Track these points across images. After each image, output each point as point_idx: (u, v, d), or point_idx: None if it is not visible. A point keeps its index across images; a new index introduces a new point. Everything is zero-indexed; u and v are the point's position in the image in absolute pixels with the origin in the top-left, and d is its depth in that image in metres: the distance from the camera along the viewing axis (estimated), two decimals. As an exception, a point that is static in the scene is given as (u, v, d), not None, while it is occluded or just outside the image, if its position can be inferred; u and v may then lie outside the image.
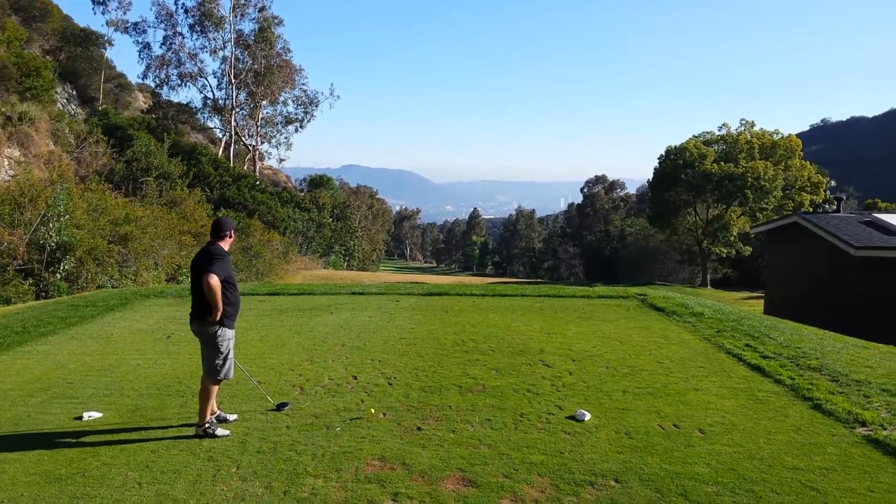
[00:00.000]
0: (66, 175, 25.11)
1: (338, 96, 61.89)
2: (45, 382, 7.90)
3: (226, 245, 6.26)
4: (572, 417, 6.52)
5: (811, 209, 48.93)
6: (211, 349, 6.12)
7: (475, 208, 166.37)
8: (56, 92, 37.53)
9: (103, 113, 43.50)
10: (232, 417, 6.43)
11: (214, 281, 5.87)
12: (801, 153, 54.61)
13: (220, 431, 6.08)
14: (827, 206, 24.49)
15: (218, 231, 6.26)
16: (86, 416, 6.59)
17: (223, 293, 5.99)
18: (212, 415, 6.21)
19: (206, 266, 5.98)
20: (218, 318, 6.02)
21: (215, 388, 6.16)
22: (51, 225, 19.36)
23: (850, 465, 5.35)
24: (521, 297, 14.91)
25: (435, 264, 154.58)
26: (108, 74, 52.50)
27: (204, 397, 6.11)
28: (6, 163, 27.68)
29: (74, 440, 5.95)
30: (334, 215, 59.32)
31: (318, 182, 69.24)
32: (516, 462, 5.40)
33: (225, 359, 6.13)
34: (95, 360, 9.02)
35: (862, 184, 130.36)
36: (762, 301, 26.82)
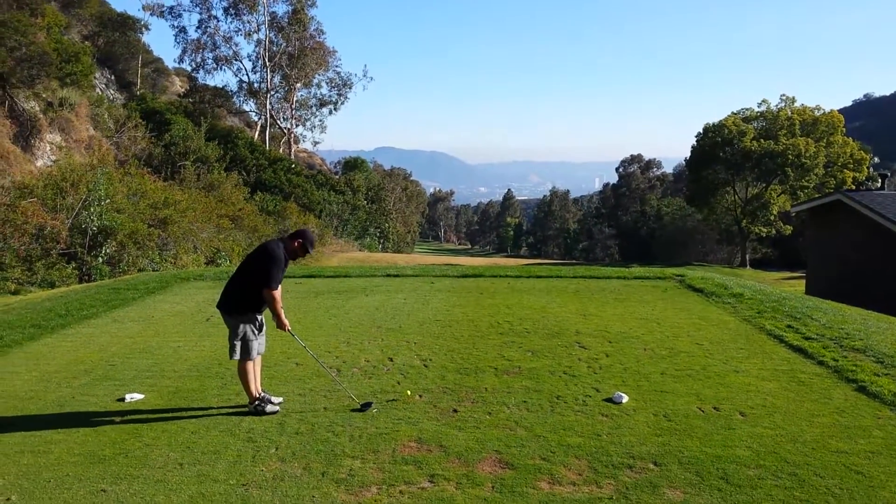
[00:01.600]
0: (106, 159, 25.56)
1: (371, 78, 61.88)
2: (88, 364, 8.06)
3: (290, 249, 6.30)
4: (609, 400, 6.47)
5: (854, 187, 47.83)
6: (230, 331, 6.24)
7: (509, 189, 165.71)
8: (95, 77, 38.08)
9: (141, 97, 44.10)
10: (277, 400, 6.49)
11: (273, 296, 6.08)
12: (844, 129, 53.29)
13: (269, 408, 6.18)
14: (871, 183, 23.87)
15: (296, 235, 6.40)
16: (128, 397, 6.71)
17: (256, 291, 6.13)
18: (258, 393, 6.30)
19: (262, 267, 6.10)
20: (282, 324, 6.24)
21: (248, 367, 6.21)
22: (92, 209, 19.74)
23: (896, 449, 5.23)
24: (557, 279, 14.81)
25: (469, 246, 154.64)
26: (145, 59, 53.19)
27: (241, 378, 6.22)
28: (48, 148, 28.23)
29: (117, 421, 6.07)
30: (369, 197, 59.52)
31: (352, 164, 69.49)
32: (553, 444, 5.37)
33: (242, 340, 6.18)
34: (137, 342, 9.19)
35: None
36: (803, 281, 26.33)
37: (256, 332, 6.29)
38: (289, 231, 31.66)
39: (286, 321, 6.28)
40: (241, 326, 6.17)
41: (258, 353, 6.37)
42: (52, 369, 7.88)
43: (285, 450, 5.34)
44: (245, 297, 6.18)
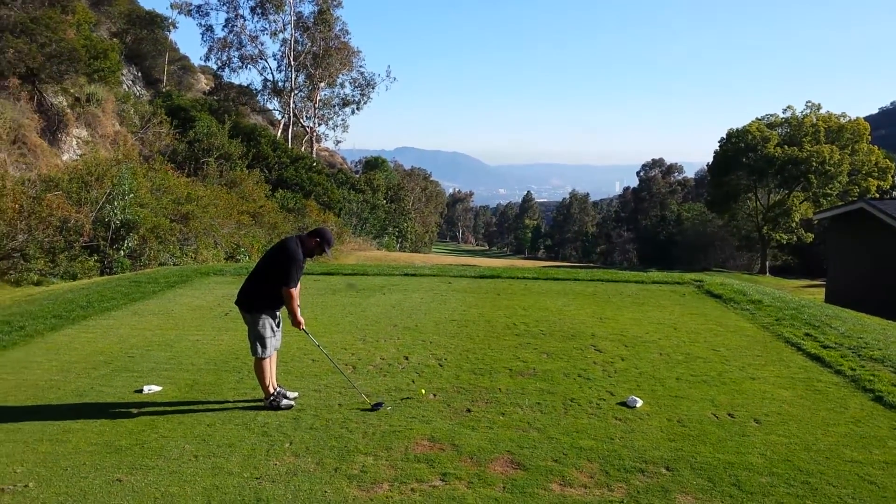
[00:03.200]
0: (130, 155, 25.79)
1: (394, 78, 61.93)
2: (107, 356, 8.18)
3: (307, 247, 6.36)
4: (623, 404, 6.46)
5: (878, 195, 47.25)
6: (250, 328, 6.31)
7: (528, 191, 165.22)
8: (122, 73, 38.48)
9: (167, 94, 44.49)
10: (292, 395, 6.56)
11: (290, 294, 6.15)
12: (870, 137, 52.61)
13: (284, 402, 6.27)
14: (895, 192, 23.64)
15: (314, 233, 6.44)
16: (146, 389, 6.81)
17: (274, 288, 6.21)
18: (274, 389, 6.38)
19: (280, 265, 6.16)
20: (297, 322, 6.30)
21: (265, 364, 6.29)
22: (116, 203, 19.96)
23: (912, 461, 5.18)
24: (574, 282, 14.78)
25: (487, 247, 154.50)
26: (171, 56, 53.63)
27: (258, 374, 6.30)
28: (74, 142, 28.58)
29: (134, 412, 6.16)
30: (388, 197, 59.63)
31: (372, 164, 69.64)
32: (566, 446, 5.38)
33: (260, 338, 6.25)
34: (156, 335, 9.30)
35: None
36: (823, 290, 26.06)
37: (275, 328, 6.36)
38: (308, 228, 31.85)
39: (301, 319, 6.35)
40: (261, 323, 6.24)
41: (275, 350, 6.44)
42: (72, 359, 8.00)
43: (299, 445, 5.40)
44: (263, 295, 6.26)
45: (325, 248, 6.42)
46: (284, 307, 6.35)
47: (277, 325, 6.41)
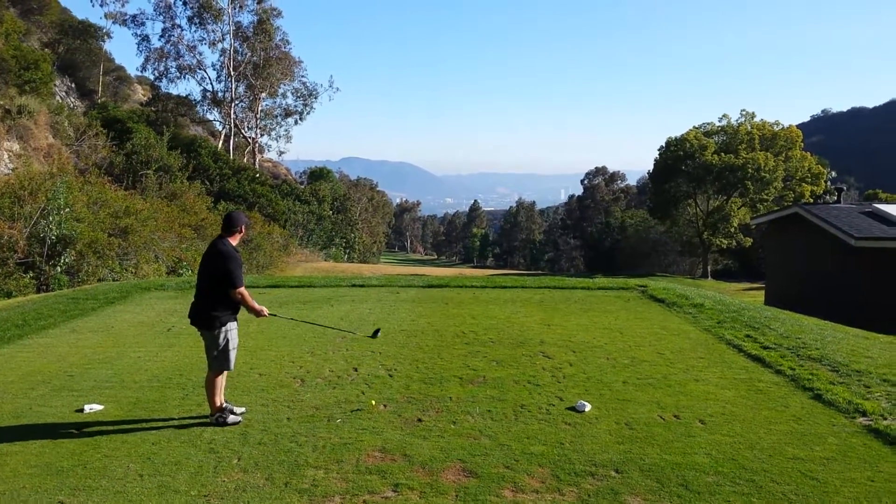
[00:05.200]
0: (65, 168, 25.09)
1: (337, 88, 61.79)
2: (46, 375, 7.91)
3: (235, 240, 6.24)
4: (573, 408, 6.52)
5: (812, 200, 48.94)
6: (209, 344, 6.13)
7: (476, 200, 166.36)
8: (55, 85, 37.47)
9: (102, 106, 43.42)
10: (239, 410, 6.41)
11: (241, 293, 6.02)
12: (802, 144, 54.56)
13: (231, 418, 6.11)
14: (828, 196, 24.55)
15: (229, 226, 6.25)
16: (87, 408, 6.60)
17: (226, 292, 6.05)
18: (221, 404, 6.22)
19: (221, 269, 5.99)
20: (258, 312, 6.20)
21: (218, 379, 6.15)
22: (51, 218, 19.35)
23: (850, 455, 5.35)
24: (522, 289, 14.91)
25: (436, 256, 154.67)
26: (106, 67, 52.39)
27: (208, 388, 6.13)
28: (5, 156, 27.65)
29: (76, 432, 5.96)
30: (335, 208, 59.29)
31: (318, 174, 69.15)
32: (517, 453, 5.41)
33: (225, 351, 6.11)
34: (96, 352, 9.03)
35: (863, 174, 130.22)
36: (763, 292, 26.83)
37: (236, 340, 6.23)
38: (258, 236, 31.34)
39: (261, 307, 6.22)
40: (222, 338, 6.07)
41: (232, 366, 6.29)
42: (8, 379, 7.71)
43: (248, 460, 5.30)
44: (218, 305, 6.07)
45: (243, 228, 6.29)
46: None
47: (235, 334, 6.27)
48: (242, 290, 6.03)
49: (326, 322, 10.83)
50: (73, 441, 5.75)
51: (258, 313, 6.22)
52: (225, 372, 6.25)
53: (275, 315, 6.37)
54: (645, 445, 5.56)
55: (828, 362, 8.07)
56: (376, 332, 6.46)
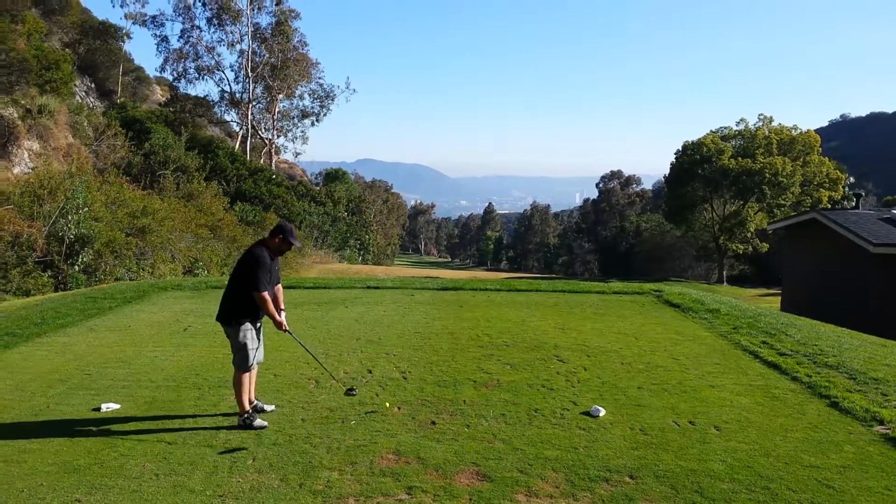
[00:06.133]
0: (84, 167, 25.26)
1: (353, 90, 61.83)
2: (63, 374, 7.99)
3: (271, 246, 6.37)
4: (587, 413, 6.51)
5: (830, 206, 48.51)
6: (231, 342, 6.26)
7: (490, 203, 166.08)
8: (75, 85, 37.80)
9: (121, 106, 43.79)
10: (269, 408, 6.56)
11: (262, 298, 6.12)
12: (820, 149, 54.05)
13: (257, 422, 6.15)
14: (846, 202, 24.32)
15: (272, 230, 6.46)
16: (104, 407, 6.66)
17: (246, 296, 6.18)
18: (250, 405, 6.32)
19: (246, 271, 6.16)
20: (278, 324, 6.31)
21: (245, 378, 6.23)
22: (69, 217, 19.52)
23: (867, 464, 5.31)
24: (536, 293, 14.88)
25: (449, 259, 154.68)
26: (126, 67, 52.80)
27: (236, 388, 6.22)
28: (26, 155, 27.94)
29: (92, 431, 6.02)
30: (349, 209, 59.38)
31: (333, 176, 69.31)
32: (531, 457, 5.40)
33: (243, 350, 6.20)
34: (113, 351, 9.11)
35: (881, 180, 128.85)
36: (779, 298, 26.63)
37: (255, 339, 6.33)
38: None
39: (282, 320, 6.33)
40: (241, 334, 6.19)
41: (257, 363, 6.41)
42: (26, 378, 7.79)
43: (262, 461, 5.33)
44: (237, 304, 6.22)
45: (290, 240, 6.40)
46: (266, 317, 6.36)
47: (257, 334, 6.37)
48: (264, 294, 6.13)
49: (342, 326, 10.89)
50: (90, 439, 5.81)
51: (277, 323, 6.31)
52: (253, 371, 6.37)
53: (289, 333, 6.45)
54: (660, 451, 5.54)
55: (845, 370, 8.00)
56: (350, 390, 6.53)
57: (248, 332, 6.23)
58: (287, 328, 6.38)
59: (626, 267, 69.06)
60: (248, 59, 54.47)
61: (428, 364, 8.43)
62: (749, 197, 53.59)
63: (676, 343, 9.73)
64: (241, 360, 6.20)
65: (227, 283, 6.52)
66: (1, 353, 9.04)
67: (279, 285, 6.61)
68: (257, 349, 6.36)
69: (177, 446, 5.64)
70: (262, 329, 6.51)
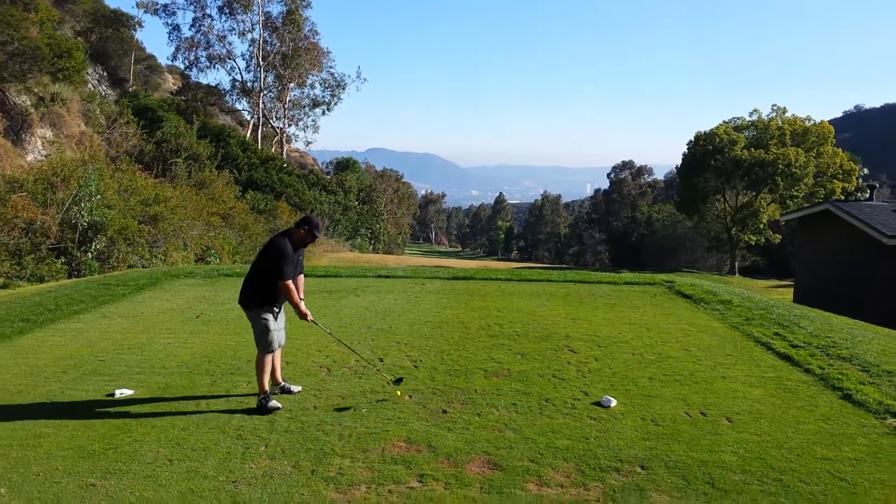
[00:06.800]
0: (97, 155, 25.42)
1: (364, 79, 61.82)
2: (77, 359, 8.05)
3: (296, 237, 6.52)
4: (598, 403, 6.51)
5: (843, 197, 48.17)
6: (252, 325, 6.45)
7: (501, 193, 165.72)
8: (87, 73, 37.91)
9: (133, 94, 43.95)
10: (296, 389, 6.78)
11: (286, 286, 6.31)
12: (834, 140, 53.63)
13: (272, 404, 6.27)
14: (859, 193, 24.12)
15: (297, 221, 6.65)
16: (118, 393, 6.71)
17: (268, 284, 6.36)
18: (275, 386, 6.58)
19: (271, 261, 6.32)
20: (302, 314, 6.44)
21: (267, 359, 6.37)
22: (82, 204, 19.65)
23: (880, 456, 5.29)
24: (547, 283, 14.86)
25: (460, 248, 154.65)
26: (138, 56, 53.00)
27: (258, 369, 6.36)
28: (39, 143, 28.10)
29: (106, 416, 6.07)
30: (360, 198, 59.44)
31: (344, 165, 69.39)
32: (541, 447, 5.41)
33: (263, 331, 6.36)
34: (126, 338, 9.17)
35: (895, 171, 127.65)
36: (791, 289, 26.50)
37: (276, 322, 6.46)
38: (282, 228, 31.65)
39: (306, 310, 6.46)
40: (262, 316, 6.34)
41: (279, 345, 6.56)
42: (41, 363, 7.86)
43: (275, 447, 5.36)
44: (259, 290, 6.39)
45: (314, 233, 6.56)
46: (287, 303, 6.52)
47: (276, 318, 6.49)
48: (288, 283, 6.31)
49: (353, 314, 10.92)
50: (104, 424, 5.85)
51: (301, 313, 6.43)
52: (276, 354, 6.56)
53: (315, 323, 6.59)
54: (671, 442, 5.54)
55: (858, 362, 7.96)
56: (398, 380, 6.66)
57: (269, 314, 6.38)
58: (311, 318, 6.49)
59: (637, 257, 68.81)
60: (259, 48, 54.51)
61: (439, 353, 8.45)
62: (762, 188, 53.29)
63: (688, 334, 9.70)
64: (263, 342, 6.35)
65: (249, 269, 6.68)
66: (15, 339, 9.11)
67: (301, 275, 6.78)
68: (280, 331, 6.52)
69: (190, 432, 5.68)
70: (283, 312, 6.64)
